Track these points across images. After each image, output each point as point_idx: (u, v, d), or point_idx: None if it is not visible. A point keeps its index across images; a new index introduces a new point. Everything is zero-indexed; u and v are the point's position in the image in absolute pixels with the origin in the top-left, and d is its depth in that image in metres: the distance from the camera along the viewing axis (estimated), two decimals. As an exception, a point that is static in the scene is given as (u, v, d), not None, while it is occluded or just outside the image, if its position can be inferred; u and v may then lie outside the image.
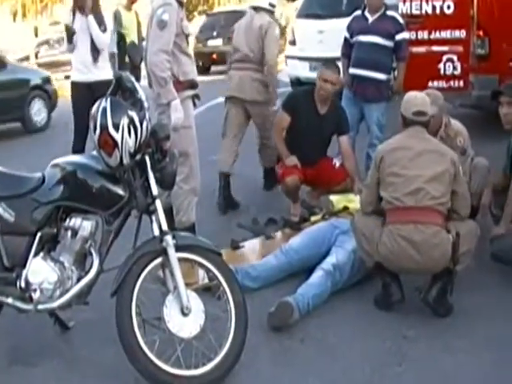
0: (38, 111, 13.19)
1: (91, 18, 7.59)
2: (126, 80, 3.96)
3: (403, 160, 4.50)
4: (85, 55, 7.66)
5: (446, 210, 4.46)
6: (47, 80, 13.69)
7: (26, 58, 24.74)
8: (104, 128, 3.75)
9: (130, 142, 3.76)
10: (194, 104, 5.63)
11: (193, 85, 5.50)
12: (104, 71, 7.68)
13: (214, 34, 22.86)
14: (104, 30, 7.70)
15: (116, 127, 3.73)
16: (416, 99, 4.72)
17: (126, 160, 3.80)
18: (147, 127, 3.84)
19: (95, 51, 7.65)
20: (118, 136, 3.73)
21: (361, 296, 4.81)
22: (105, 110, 3.77)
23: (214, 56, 22.74)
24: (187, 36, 5.41)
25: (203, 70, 22.16)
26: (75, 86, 7.84)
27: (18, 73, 13.28)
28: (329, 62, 6.87)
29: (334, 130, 6.59)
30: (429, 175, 4.41)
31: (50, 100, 13.44)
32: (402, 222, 4.39)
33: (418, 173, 4.43)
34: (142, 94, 3.92)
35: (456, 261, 4.35)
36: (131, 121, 3.76)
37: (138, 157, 3.87)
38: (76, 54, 7.80)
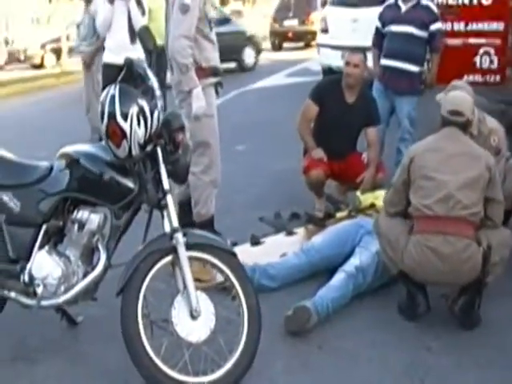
0: (249, 55, 20.02)
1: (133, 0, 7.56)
2: (138, 65, 3.75)
3: (434, 162, 4.20)
4: (122, 36, 7.67)
5: (479, 220, 4.17)
6: (253, 34, 20.94)
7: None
8: (112, 117, 3.55)
9: (140, 133, 3.54)
10: (217, 92, 5.40)
11: (216, 72, 5.27)
12: (139, 53, 7.58)
13: (290, 14, 25.77)
14: (143, 13, 7.68)
15: (124, 116, 3.52)
16: (454, 98, 4.42)
17: (135, 151, 3.59)
18: (159, 117, 3.63)
19: (132, 32, 7.64)
20: (126, 126, 3.52)
21: (384, 302, 4.58)
22: (113, 97, 3.56)
23: (290, 35, 26.06)
24: (210, 21, 5.16)
25: (277, 47, 26.57)
26: (108, 67, 7.76)
27: (237, 27, 20.52)
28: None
29: (363, 121, 6.36)
30: (461, 181, 4.11)
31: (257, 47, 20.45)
32: (430, 233, 4.11)
33: (449, 178, 4.13)
34: (153, 82, 3.70)
35: (486, 273, 4.09)
36: (141, 110, 3.55)
37: (149, 148, 3.66)
38: (112, 35, 7.79)
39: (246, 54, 19.86)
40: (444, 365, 3.85)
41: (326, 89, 6.38)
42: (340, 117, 6.21)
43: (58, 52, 27.93)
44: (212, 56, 5.21)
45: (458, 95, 4.47)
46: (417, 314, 4.31)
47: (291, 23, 25.69)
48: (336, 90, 6.29)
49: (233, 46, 17.58)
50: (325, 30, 13.42)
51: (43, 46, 28.53)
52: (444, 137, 4.32)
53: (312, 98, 6.31)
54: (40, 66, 27.95)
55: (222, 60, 5.42)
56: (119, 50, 7.70)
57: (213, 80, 5.25)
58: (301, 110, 6.42)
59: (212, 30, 5.20)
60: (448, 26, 8.61)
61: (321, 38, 13.67)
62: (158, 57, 4.83)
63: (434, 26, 7.03)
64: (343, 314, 4.40)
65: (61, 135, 8.66)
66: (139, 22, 7.66)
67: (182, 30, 4.95)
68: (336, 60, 12.68)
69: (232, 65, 19.04)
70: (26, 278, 3.86)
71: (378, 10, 7.61)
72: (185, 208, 5.32)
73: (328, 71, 13.18)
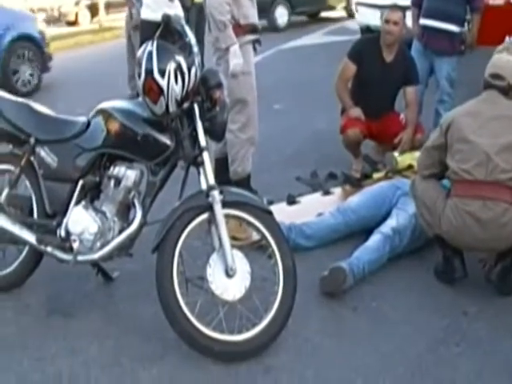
0: (280, 15, 18.95)
1: None
2: (175, 22, 3.69)
3: (473, 126, 4.07)
4: None
5: None
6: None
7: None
8: (149, 73, 3.50)
9: (177, 89, 3.50)
10: (255, 49, 5.34)
11: (254, 29, 5.21)
12: (177, 10, 7.51)
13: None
14: None
15: (162, 73, 3.47)
16: (498, 60, 4.26)
17: (172, 108, 3.54)
18: (196, 74, 3.57)
19: None
20: (163, 82, 3.48)
21: (420, 264, 4.52)
22: (150, 53, 3.51)
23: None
24: None
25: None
26: (145, 24, 7.70)
27: None
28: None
29: (401, 80, 6.25)
30: (500, 144, 3.97)
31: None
32: (469, 197, 4.00)
33: (488, 141, 4.00)
34: (191, 38, 3.64)
35: None
36: (178, 66, 3.49)
37: (186, 105, 3.61)
38: None
39: (277, 12, 18.92)
40: (480, 330, 3.79)
41: (364, 48, 6.27)
42: (378, 76, 6.11)
43: (92, 8, 27.98)
44: (250, 13, 5.15)
45: (502, 58, 4.30)
46: (453, 279, 4.25)
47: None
48: (374, 48, 6.19)
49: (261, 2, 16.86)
50: (364, -11, 13.21)
51: (77, 3, 28.53)
52: (483, 100, 4.19)
53: (350, 56, 6.21)
54: (74, 23, 27.98)
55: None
56: (157, 6, 7.63)
57: (251, 37, 5.20)
58: (338, 69, 6.32)
59: None
60: (489, -14, 8.44)
61: (359, -3, 13.47)
62: (198, 13, 4.83)
63: None
64: (379, 275, 4.36)
65: (99, 91, 8.65)
66: None
67: None
68: (374, 19, 12.51)
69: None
70: (63, 233, 3.91)
71: (418, -32, 7.47)
72: (221, 166, 5.29)
73: (366, 30, 13.02)
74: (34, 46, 11.41)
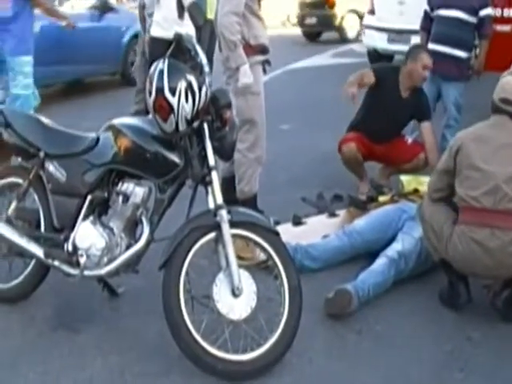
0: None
1: None
2: (187, 41, 3.72)
3: (482, 153, 4.05)
4: (169, 11, 7.58)
5: None
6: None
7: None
8: (160, 91, 3.51)
9: (187, 108, 3.51)
10: (264, 70, 5.37)
11: (264, 50, 5.23)
12: (187, 28, 7.53)
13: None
14: None
15: (172, 91, 3.49)
16: (507, 84, 4.22)
17: (181, 126, 3.56)
18: (206, 93, 3.59)
19: (180, 7, 7.57)
20: (174, 100, 3.49)
21: (425, 288, 4.51)
22: (162, 72, 3.53)
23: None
24: None
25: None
26: (155, 41, 7.72)
27: None
28: (418, 46, 6.57)
29: (413, 115, 6.29)
30: (509, 172, 3.95)
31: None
32: (476, 225, 3.98)
33: (497, 169, 3.98)
34: (202, 57, 3.66)
35: None
36: (189, 85, 3.50)
37: (196, 124, 3.62)
38: (159, 9, 7.74)
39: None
40: (483, 356, 3.78)
41: (387, 74, 6.21)
42: (391, 108, 6.12)
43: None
44: (261, 33, 5.17)
45: (511, 82, 4.33)
46: (458, 304, 4.24)
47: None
48: (393, 80, 6.17)
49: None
50: (371, 12, 13.26)
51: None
52: (493, 125, 4.17)
53: (375, 71, 6.17)
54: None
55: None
56: (167, 24, 7.65)
57: (260, 58, 5.22)
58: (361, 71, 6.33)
59: (260, 7, 5.17)
60: (498, 12, 8.48)
61: (367, 20, 13.50)
62: (211, 32, 4.86)
63: (484, 12, 6.93)
64: (384, 299, 4.36)
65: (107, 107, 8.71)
66: None
67: (231, 6, 4.93)
68: (382, 42, 12.62)
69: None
70: (70, 248, 3.92)
71: (426, -8, 7.52)
72: (228, 185, 5.31)
73: (373, 53, 13.08)
74: None
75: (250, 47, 5.10)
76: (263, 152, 5.32)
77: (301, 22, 21.23)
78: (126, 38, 12.95)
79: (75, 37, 10.38)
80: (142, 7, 8.97)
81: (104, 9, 12.62)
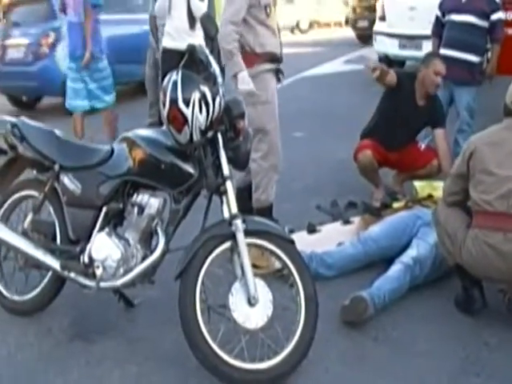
0: None
1: None
2: (200, 52, 3.73)
3: (496, 157, 4.04)
4: (180, 22, 7.63)
5: None
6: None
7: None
8: (174, 102, 3.53)
9: (201, 119, 3.53)
10: (279, 79, 5.37)
11: (273, 58, 5.22)
12: (198, 39, 7.57)
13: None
14: None
15: (186, 102, 3.50)
16: None
17: (196, 137, 3.57)
18: (220, 103, 3.60)
19: (191, 18, 7.62)
20: (188, 111, 3.51)
21: (440, 294, 4.51)
22: (175, 83, 3.54)
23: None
24: (266, 7, 5.11)
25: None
26: (167, 52, 7.78)
27: None
28: (432, 53, 6.57)
29: (428, 122, 6.28)
30: None
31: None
32: (490, 229, 3.97)
33: (510, 173, 3.97)
34: (215, 68, 3.68)
35: None
36: (203, 96, 3.52)
37: (210, 134, 3.64)
38: (171, 20, 7.79)
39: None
40: (500, 360, 3.77)
41: (405, 81, 6.15)
42: (407, 116, 6.11)
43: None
44: (268, 42, 5.16)
45: None
46: (473, 309, 4.24)
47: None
48: (410, 87, 6.14)
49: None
50: (382, 18, 13.24)
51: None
52: (506, 128, 4.16)
53: (397, 74, 6.11)
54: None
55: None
56: (178, 35, 7.71)
57: (268, 66, 5.21)
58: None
59: (269, 17, 5.15)
60: (509, 16, 8.45)
61: (378, 26, 13.48)
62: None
63: (495, 16, 6.93)
64: (400, 305, 4.35)
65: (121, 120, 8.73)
66: (199, 7, 7.63)
67: (228, 14, 4.98)
68: (393, 48, 12.60)
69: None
70: (86, 260, 3.93)
71: (436, -2, 7.53)
72: (244, 195, 5.32)
73: (384, 59, 13.07)
74: None
75: (256, 55, 5.11)
76: (278, 160, 5.32)
77: (353, 25, 22.65)
78: None
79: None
80: (154, 17, 9.03)
81: None
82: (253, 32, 5.08)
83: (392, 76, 6.01)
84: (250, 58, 5.05)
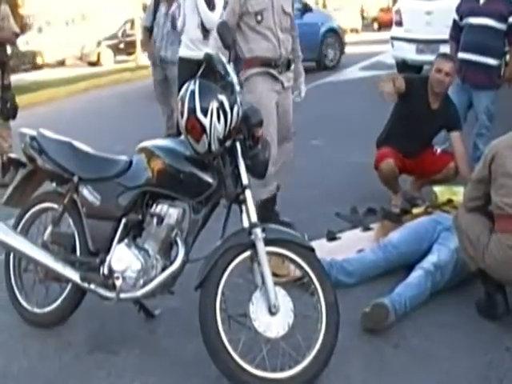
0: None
1: None
2: (217, 61, 3.72)
3: None
4: (194, 32, 7.67)
5: None
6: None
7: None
8: (192, 112, 3.53)
9: (219, 128, 3.52)
10: (283, 86, 5.49)
11: (264, 62, 5.37)
12: (208, 48, 7.59)
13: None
14: (212, 8, 7.65)
15: (204, 111, 3.50)
16: None
17: (214, 146, 3.57)
18: (238, 112, 3.59)
19: (204, 29, 7.64)
20: (206, 121, 3.51)
21: (462, 300, 4.47)
22: (193, 93, 3.54)
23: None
24: (257, 13, 5.28)
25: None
26: (183, 61, 7.83)
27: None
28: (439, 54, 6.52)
29: (443, 126, 6.24)
30: None
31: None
32: None
33: None
34: (233, 77, 3.68)
35: None
36: (221, 105, 3.51)
37: (228, 143, 3.63)
38: (186, 31, 7.86)
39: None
40: (524, 367, 3.75)
41: (416, 85, 6.13)
42: (421, 121, 6.07)
43: (113, 48, 28.35)
44: (257, 47, 5.34)
45: None
46: (496, 314, 4.20)
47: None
48: (422, 92, 6.10)
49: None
50: (399, 23, 13.22)
51: (99, 44, 28.86)
52: None
53: (405, 79, 6.10)
54: (96, 63, 28.26)
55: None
56: (193, 44, 7.75)
57: (259, 69, 5.36)
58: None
59: (261, 23, 5.31)
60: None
61: (395, 31, 13.46)
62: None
63: None
64: (421, 311, 4.32)
65: (138, 129, 8.75)
66: (209, 17, 7.61)
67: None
68: (410, 53, 12.58)
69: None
70: (106, 271, 3.92)
71: (453, 1, 7.48)
72: (266, 205, 5.32)
73: (402, 65, 13.04)
74: (335, 36, 18.42)
75: (247, 60, 5.36)
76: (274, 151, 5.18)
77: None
78: (321, 32, 17.67)
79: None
80: (147, 30, 9.15)
81: (304, 9, 17.01)
82: (244, 38, 5.32)
83: (400, 82, 6.00)
84: (244, 62, 5.30)
